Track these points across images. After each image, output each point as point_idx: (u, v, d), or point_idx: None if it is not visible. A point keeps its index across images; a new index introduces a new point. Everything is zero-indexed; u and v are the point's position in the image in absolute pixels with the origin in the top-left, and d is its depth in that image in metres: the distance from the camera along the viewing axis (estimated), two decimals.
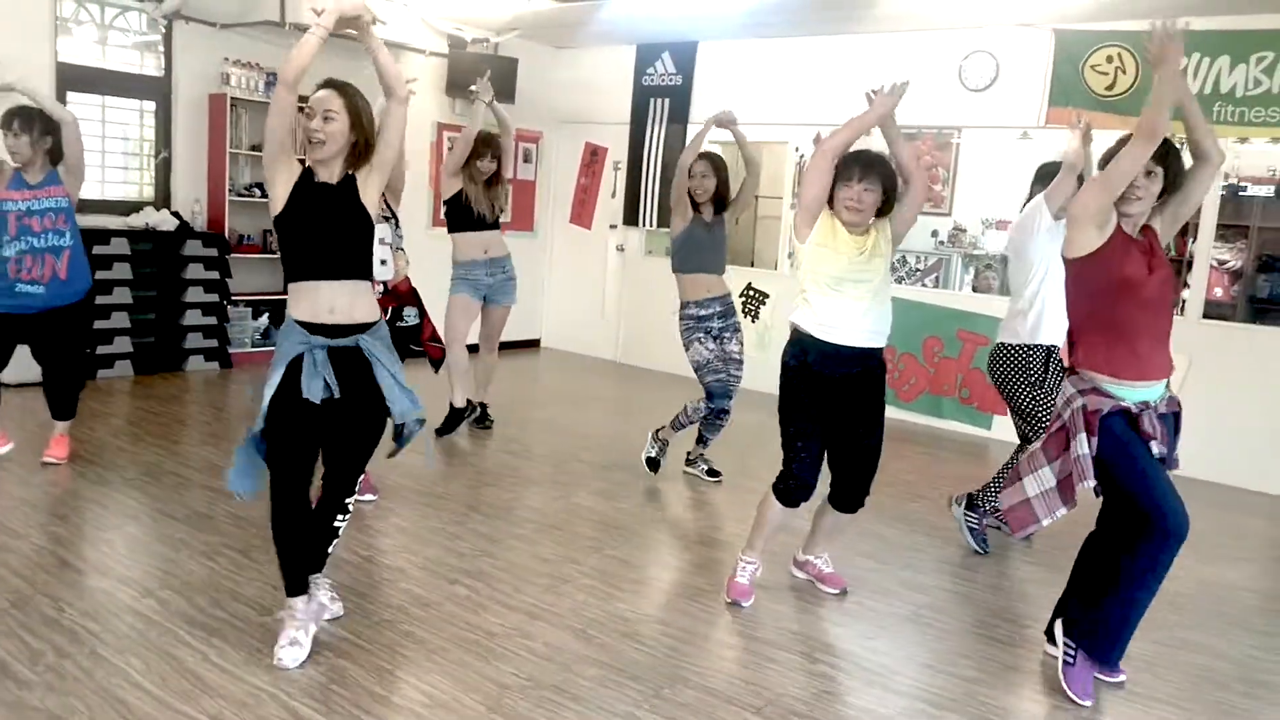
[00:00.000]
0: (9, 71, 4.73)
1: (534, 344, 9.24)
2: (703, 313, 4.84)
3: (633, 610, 3.47)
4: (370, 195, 2.94)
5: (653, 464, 5.15)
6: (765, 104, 7.68)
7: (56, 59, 6.33)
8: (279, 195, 2.84)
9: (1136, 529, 2.90)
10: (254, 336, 7.47)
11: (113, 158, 6.99)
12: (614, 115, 8.54)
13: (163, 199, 7.10)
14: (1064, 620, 3.14)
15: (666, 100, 8.18)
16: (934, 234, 9.55)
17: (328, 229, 2.87)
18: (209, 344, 7.06)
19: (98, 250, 6.36)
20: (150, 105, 7.03)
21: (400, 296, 4.40)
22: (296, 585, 2.92)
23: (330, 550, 3.14)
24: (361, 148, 2.89)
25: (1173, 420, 3.02)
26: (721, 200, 4.86)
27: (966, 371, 6.74)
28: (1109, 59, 6.13)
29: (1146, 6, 5.84)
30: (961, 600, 3.82)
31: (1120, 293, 2.88)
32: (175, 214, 6.89)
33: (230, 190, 7.11)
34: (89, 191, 6.72)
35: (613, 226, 8.76)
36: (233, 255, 7.12)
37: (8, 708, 2.53)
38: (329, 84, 2.88)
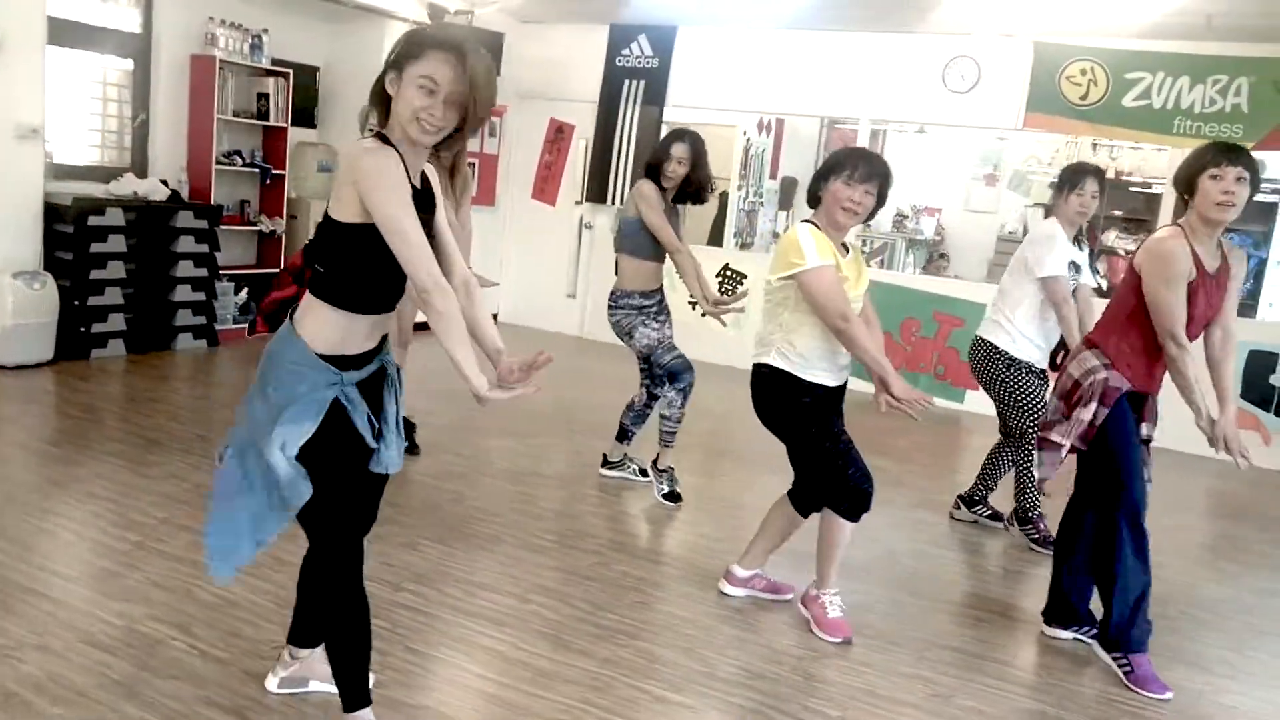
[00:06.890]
0: None
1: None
2: (646, 303, 4.52)
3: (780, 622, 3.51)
4: None
5: (673, 497, 4.62)
6: (742, 92, 7.98)
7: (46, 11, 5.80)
8: None
9: (1107, 496, 3.24)
10: (234, 313, 7.13)
11: (85, 118, 6.47)
12: (580, 93, 8.58)
13: (140, 166, 6.65)
14: (1099, 639, 3.34)
15: (641, 82, 8.30)
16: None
17: None
18: (197, 321, 6.68)
19: (93, 221, 5.92)
20: (127, 64, 6.54)
21: None
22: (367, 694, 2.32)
23: None
24: None
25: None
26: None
27: (942, 350, 7.35)
28: (1082, 71, 6.81)
29: (1116, 26, 6.56)
30: None
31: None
32: (164, 182, 6.47)
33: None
34: (62, 155, 6.24)
35: (577, 203, 8.84)
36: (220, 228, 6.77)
37: None
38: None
